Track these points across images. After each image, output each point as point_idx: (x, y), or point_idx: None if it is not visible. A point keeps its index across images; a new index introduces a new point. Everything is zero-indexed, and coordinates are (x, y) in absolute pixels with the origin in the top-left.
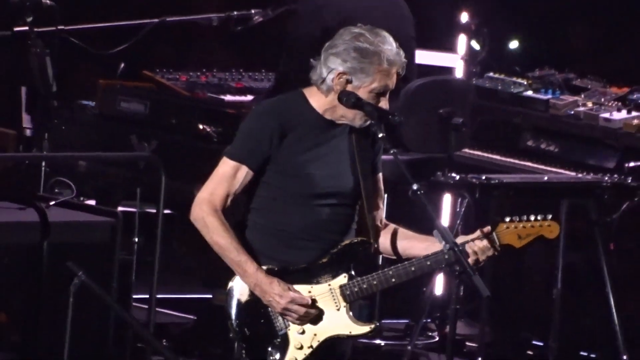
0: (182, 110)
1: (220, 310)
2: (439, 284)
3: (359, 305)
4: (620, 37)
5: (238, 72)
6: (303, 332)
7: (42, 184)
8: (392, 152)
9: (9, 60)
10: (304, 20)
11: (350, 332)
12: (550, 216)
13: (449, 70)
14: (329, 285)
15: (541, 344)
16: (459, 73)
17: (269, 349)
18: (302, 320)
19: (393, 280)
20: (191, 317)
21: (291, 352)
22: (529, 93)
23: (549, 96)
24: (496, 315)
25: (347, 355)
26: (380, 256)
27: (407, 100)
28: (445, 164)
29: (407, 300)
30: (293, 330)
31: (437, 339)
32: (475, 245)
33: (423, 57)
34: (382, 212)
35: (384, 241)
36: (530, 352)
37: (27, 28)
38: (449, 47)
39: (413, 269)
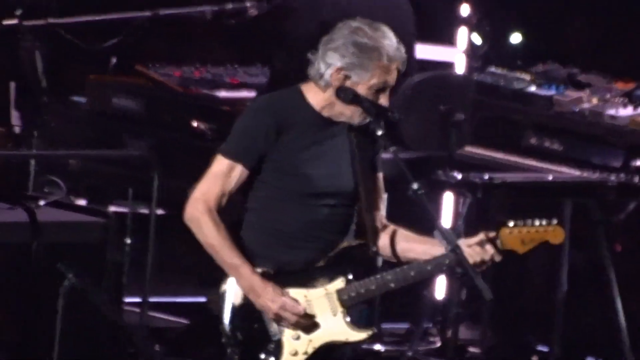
0: (175, 107)
1: (214, 313)
2: (440, 287)
3: (359, 309)
4: (626, 30)
5: (233, 67)
6: (298, 338)
7: (31, 183)
8: (391, 150)
9: None
10: (301, 14)
11: (346, 339)
12: (555, 221)
13: (449, 65)
14: (326, 289)
15: (545, 347)
16: (460, 68)
17: (262, 354)
18: (296, 326)
19: (392, 285)
20: (185, 321)
21: (285, 358)
22: (532, 89)
23: (553, 92)
24: (499, 319)
25: (346, 358)
26: (380, 258)
27: (407, 96)
28: (446, 163)
29: (407, 304)
30: (287, 336)
31: (438, 344)
32: (478, 249)
33: (422, 51)
34: (382, 213)
35: (383, 243)
36: (534, 357)
37: (16, 22)
38: (449, 41)
39: (412, 273)
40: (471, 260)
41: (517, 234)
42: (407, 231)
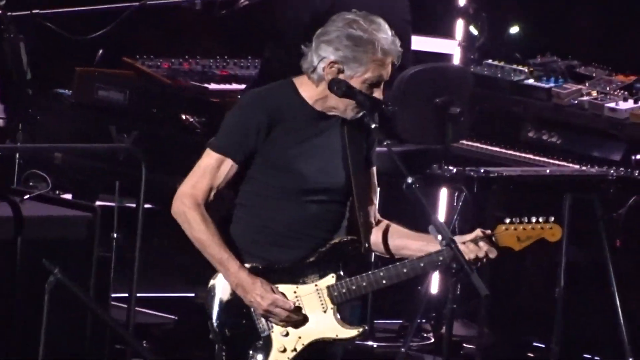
0: (163, 99)
1: (202, 309)
2: (435, 283)
3: (350, 306)
4: (626, 21)
5: (223, 59)
6: (287, 335)
7: (15, 176)
8: (385, 143)
9: None
10: (293, 4)
11: (336, 336)
12: (552, 218)
13: (446, 56)
14: (316, 285)
15: (543, 346)
16: (457, 60)
17: (251, 351)
18: (285, 322)
19: (384, 282)
20: (173, 317)
21: (274, 355)
22: (530, 81)
23: (552, 85)
24: (495, 316)
25: (338, 357)
26: (372, 254)
27: (402, 88)
28: (442, 156)
29: (401, 300)
30: (276, 332)
31: (432, 340)
32: (473, 247)
33: (419, 43)
34: (375, 208)
35: (376, 239)
36: (531, 355)
37: (0, 12)
38: (446, 33)
39: (405, 270)
40: (466, 257)
41: (514, 231)
42: (401, 227)
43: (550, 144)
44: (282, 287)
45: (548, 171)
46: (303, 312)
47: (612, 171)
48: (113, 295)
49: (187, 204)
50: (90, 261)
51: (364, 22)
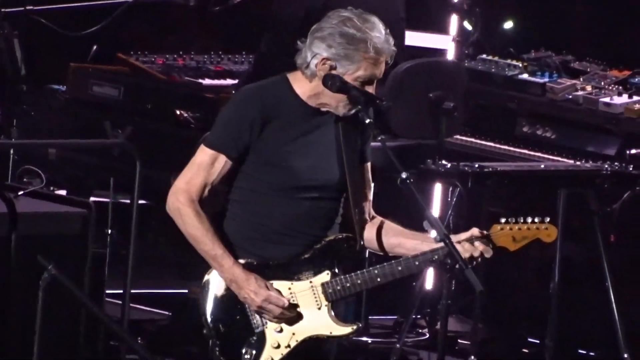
0: (158, 95)
1: (197, 305)
2: (430, 279)
3: (345, 303)
4: (621, 16)
5: (217, 55)
6: (281, 331)
7: (10, 172)
8: (380, 138)
9: None
10: None
11: (330, 333)
12: (547, 219)
13: (440, 52)
14: (311, 282)
15: (537, 341)
16: (451, 55)
17: (244, 347)
18: (279, 319)
19: (378, 279)
20: (167, 313)
21: (267, 351)
22: (525, 76)
23: (546, 79)
24: (490, 311)
25: (332, 354)
26: (367, 250)
27: (396, 83)
28: (436, 151)
29: (395, 296)
30: (270, 329)
31: (427, 336)
32: (468, 246)
33: (413, 38)
34: (370, 204)
35: (371, 236)
36: (525, 350)
37: None
38: (440, 28)
39: (400, 268)
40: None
41: (509, 231)
42: (396, 224)
43: (544, 138)
44: (276, 284)
45: (542, 166)
46: (297, 308)
47: (606, 166)
48: (107, 291)
49: (182, 200)
50: (85, 257)
51: (358, 20)
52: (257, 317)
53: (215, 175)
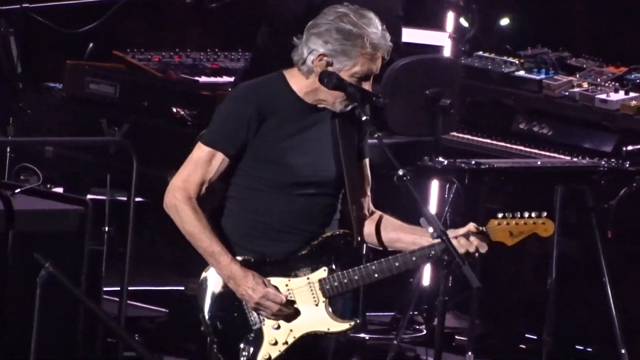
0: (154, 92)
1: (194, 302)
2: (427, 275)
3: (342, 299)
4: (617, 13)
5: (213, 52)
6: (278, 328)
7: (6, 170)
8: (376, 135)
9: None
10: None
11: (328, 329)
12: (545, 214)
13: (436, 48)
14: (308, 278)
15: (535, 337)
16: (447, 52)
17: (242, 344)
18: (277, 316)
19: (376, 275)
20: (165, 310)
21: (265, 347)
22: (521, 73)
23: (542, 76)
24: (487, 308)
25: (330, 351)
26: (364, 246)
27: (392, 80)
28: (433, 148)
29: (393, 292)
30: (268, 325)
31: (424, 332)
32: (464, 241)
33: (409, 35)
34: (369, 200)
35: (369, 231)
36: (523, 346)
37: None
38: (437, 25)
39: (397, 264)
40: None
41: (506, 226)
42: (395, 219)
43: (541, 135)
44: (274, 280)
45: (539, 163)
46: (295, 305)
47: (603, 162)
48: (105, 288)
49: (179, 198)
50: (82, 255)
51: (354, 16)
52: (255, 314)
53: (212, 173)
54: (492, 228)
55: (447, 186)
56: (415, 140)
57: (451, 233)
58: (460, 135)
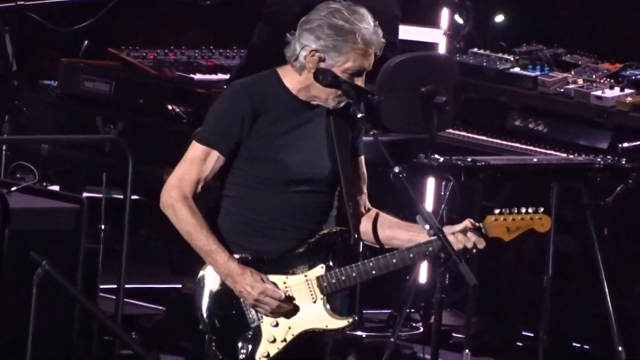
0: (149, 90)
1: (191, 300)
2: (423, 272)
3: (339, 297)
4: (611, 9)
5: (208, 49)
6: (277, 325)
7: (2, 168)
8: (372, 133)
9: None
10: None
11: (326, 326)
12: (541, 209)
13: (431, 45)
14: (306, 276)
15: (531, 334)
16: (442, 49)
17: (240, 341)
18: (275, 313)
19: (373, 272)
20: (161, 308)
21: (263, 345)
22: (516, 70)
23: (537, 73)
24: (484, 305)
25: (329, 348)
26: (361, 243)
27: (387, 78)
28: (428, 146)
29: (389, 290)
30: (266, 323)
31: (421, 330)
32: (461, 237)
33: (404, 32)
34: (365, 197)
35: (366, 229)
36: (519, 344)
37: None
38: (432, 22)
39: (394, 260)
40: (454, 248)
41: (503, 222)
42: (392, 216)
43: (536, 132)
44: (271, 278)
45: (535, 160)
46: (293, 302)
47: (599, 159)
48: (101, 286)
49: (175, 197)
50: (78, 253)
51: (347, 12)
52: (253, 311)
53: (207, 172)
54: (489, 224)
55: (443, 183)
56: (410, 137)
57: (448, 229)
58: (456, 132)
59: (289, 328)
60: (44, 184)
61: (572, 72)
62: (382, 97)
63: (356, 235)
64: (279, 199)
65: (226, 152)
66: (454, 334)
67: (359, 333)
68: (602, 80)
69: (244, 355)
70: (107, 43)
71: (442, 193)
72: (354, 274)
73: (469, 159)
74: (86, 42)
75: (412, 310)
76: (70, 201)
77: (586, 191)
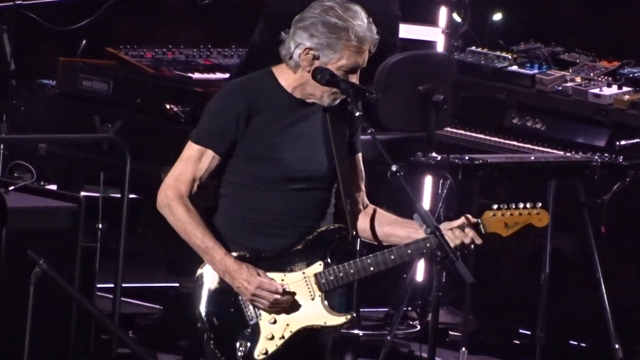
0: (147, 89)
1: (188, 298)
2: (420, 271)
3: (337, 294)
4: (609, 7)
5: (206, 48)
6: (275, 322)
7: (0, 167)
8: (369, 131)
9: None
10: None
11: (324, 323)
12: (539, 204)
13: (429, 44)
14: (304, 273)
15: (528, 332)
16: (440, 47)
17: (239, 339)
18: (273, 308)
19: (371, 269)
20: (158, 306)
21: (262, 342)
22: (514, 68)
23: (535, 71)
24: (481, 303)
25: (328, 348)
26: (358, 241)
27: (385, 76)
28: (426, 144)
29: (386, 288)
30: (264, 320)
31: (418, 328)
32: (459, 233)
33: (402, 30)
34: (363, 194)
35: (364, 225)
36: (517, 342)
37: None
38: (430, 20)
39: (392, 257)
40: (452, 244)
41: (501, 217)
42: (390, 213)
43: (534, 130)
44: (269, 275)
45: (532, 158)
46: (291, 299)
47: (596, 157)
48: (98, 285)
49: (170, 196)
50: (76, 252)
51: (340, 9)
52: (251, 309)
53: (203, 171)
54: (487, 219)
55: (441, 182)
56: (408, 136)
57: (446, 225)
58: (453, 130)
59: (287, 325)
60: (42, 183)
61: (570, 70)
62: (380, 96)
63: (354, 232)
64: (276, 197)
65: (221, 151)
66: (451, 332)
67: (356, 331)
68: (599, 78)
69: (242, 353)
70: (105, 42)
71: (440, 191)
72: (351, 271)
73: (467, 157)
74: (84, 41)
75: (409, 308)
76: (67, 200)
77: (583, 189)
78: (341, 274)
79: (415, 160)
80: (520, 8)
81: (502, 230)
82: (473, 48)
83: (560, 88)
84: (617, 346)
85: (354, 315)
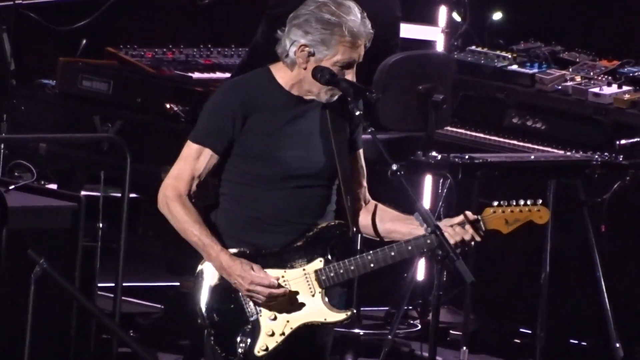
0: (147, 89)
1: (189, 298)
2: (421, 270)
3: (338, 292)
4: (609, 6)
5: (206, 48)
6: (275, 319)
7: (0, 167)
8: (369, 130)
9: None
10: None
11: (325, 319)
12: (540, 201)
13: (429, 43)
14: (304, 269)
15: (529, 331)
16: (440, 46)
17: (239, 336)
18: (271, 302)
19: (372, 265)
20: (159, 306)
21: (262, 339)
22: (514, 67)
23: (535, 70)
24: (481, 302)
25: (328, 346)
26: (359, 237)
27: (384, 76)
28: (426, 143)
29: (387, 287)
30: (264, 317)
31: (419, 327)
32: (460, 230)
33: (402, 30)
34: (364, 190)
35: (366, 222)
36: (517, 340)
37: None
38: (429, 19)
39: (393, 253)
40: (452, 241)
41: (501, 214)
42: (392, 209)
43: (534, 129)
44: (269, 272)
45: (532, 157)
46: (291, 296)
47: (596, 156)
48: (99, 284)
49: (169, 196)
50: (76, 251)
51: (333, 5)
52: (252, 305)
53: (202, 169)
54: (487, 216)
55: (441, 181)
56: (408, 135)
57: (446, 222)
58: (453, 130)
59: (288, 322)
60: (42, 182)
61: (570, 70)
62: (380, 95)
63: (354, 229)
64: (276, 195)
65: (219, 149)
66: (451, 332)
67: (356, 331)
68: (599, 78)
69: (242, 349)
70: (105, 42)
71: (440, 191)
72: (352, 268)
73: (467, 157)
74: (84, 41)
75: (410, 307)
76: (68, 199)
77: (583, 188)
78: (341, 271)
79: (415, 159)
80: (519, 7)
81: (502, 227)
82: (473, 47)
83: (560, 87)
84: (617, 345)
85: (354, 311)
